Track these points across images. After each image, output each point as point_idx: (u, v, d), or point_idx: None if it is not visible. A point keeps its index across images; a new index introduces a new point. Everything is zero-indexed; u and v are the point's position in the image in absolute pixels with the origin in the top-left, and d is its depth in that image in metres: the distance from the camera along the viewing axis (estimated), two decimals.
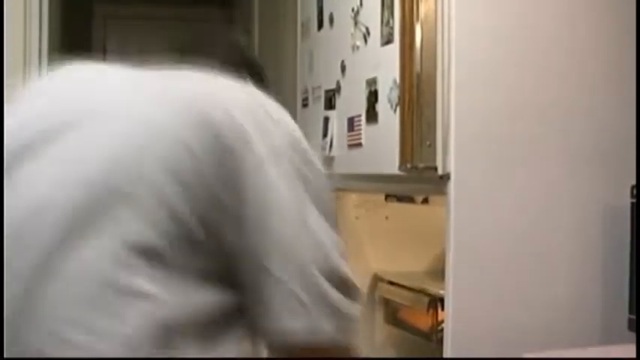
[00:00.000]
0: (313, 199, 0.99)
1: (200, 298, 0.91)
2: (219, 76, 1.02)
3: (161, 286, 0.87)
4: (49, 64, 2.66)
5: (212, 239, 0.92)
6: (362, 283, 2.24)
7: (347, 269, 1.00)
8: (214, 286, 0.92)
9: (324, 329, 0.96)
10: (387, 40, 1.75)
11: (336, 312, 0.97)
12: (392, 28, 1.73)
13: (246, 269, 0.95)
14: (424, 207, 2.07)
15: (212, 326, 0.91)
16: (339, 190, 2.14)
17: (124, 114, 0.95)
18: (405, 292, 2.05)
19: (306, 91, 2.30)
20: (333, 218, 1.03)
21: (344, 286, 0.99)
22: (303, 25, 2.39)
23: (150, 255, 0.86)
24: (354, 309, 1.00)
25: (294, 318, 0.95)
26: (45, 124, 0.96)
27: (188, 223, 0.88)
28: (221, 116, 0.93)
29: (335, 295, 0.97)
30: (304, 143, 1.00)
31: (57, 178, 0.90)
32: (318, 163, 1.01)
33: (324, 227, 0.99)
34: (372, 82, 1.83)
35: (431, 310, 1.89)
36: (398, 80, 1.66)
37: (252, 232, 0.93)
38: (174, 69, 1.02)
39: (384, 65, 1.76)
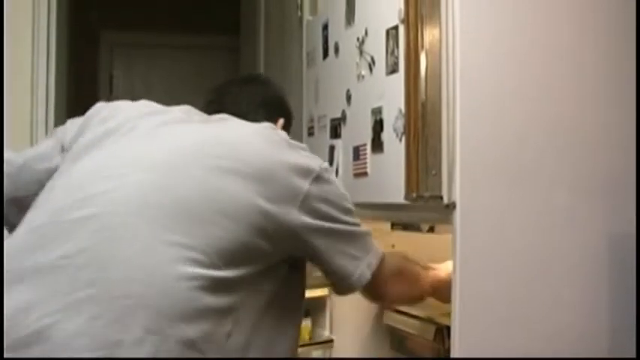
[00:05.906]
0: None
1: None
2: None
3: None
4: (56, 91, 2.68)
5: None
6: (368, 311, 2.24)
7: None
8: None
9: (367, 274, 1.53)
10: (392, 70, 1.76)
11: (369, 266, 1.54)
12: (397, 57, 1.74)
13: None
14: (430, 235, 2.06)
15: None
16: None
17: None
18: (411, 321, 2.04)
19: (311, 120, 2.31)
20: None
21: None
22: (308, 54, 2.40)
23: None
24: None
25: (352, 267, 1.51)
26: None
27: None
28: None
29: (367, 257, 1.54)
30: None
31: None
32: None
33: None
34: (377, 112, 1.83)
35: (437, 339, 1.89)
36: (403, 109, 1.66)
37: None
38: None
39: (390, 94, 1.77)
